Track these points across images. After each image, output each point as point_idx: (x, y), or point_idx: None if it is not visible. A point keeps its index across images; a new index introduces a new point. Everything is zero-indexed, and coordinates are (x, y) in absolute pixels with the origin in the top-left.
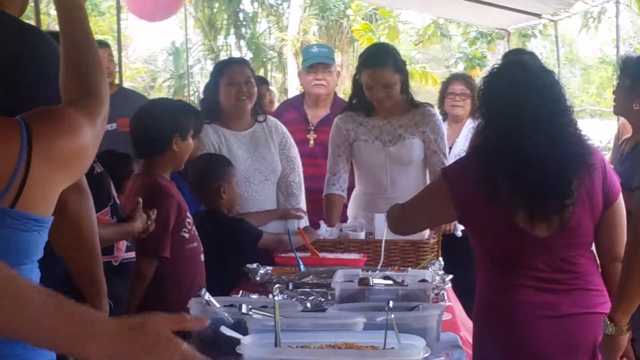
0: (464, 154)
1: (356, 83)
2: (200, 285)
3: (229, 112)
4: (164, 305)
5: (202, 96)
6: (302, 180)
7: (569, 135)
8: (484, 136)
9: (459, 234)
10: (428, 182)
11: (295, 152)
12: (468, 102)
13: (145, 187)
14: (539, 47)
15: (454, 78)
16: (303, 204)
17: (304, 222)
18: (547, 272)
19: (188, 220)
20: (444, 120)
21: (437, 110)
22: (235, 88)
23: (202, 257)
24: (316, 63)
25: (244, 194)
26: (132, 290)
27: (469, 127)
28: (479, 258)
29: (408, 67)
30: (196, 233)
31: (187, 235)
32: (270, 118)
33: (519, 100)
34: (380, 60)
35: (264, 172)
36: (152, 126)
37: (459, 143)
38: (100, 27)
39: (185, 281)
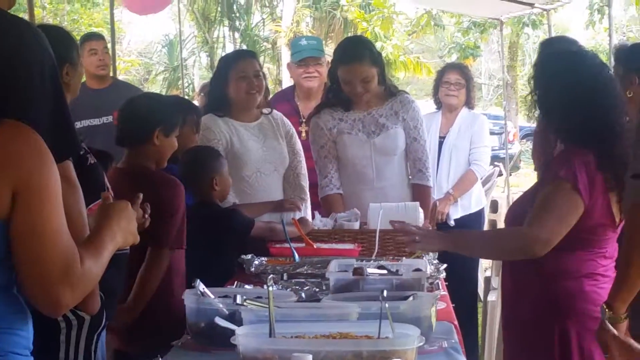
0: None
1: (332, 77)
2: (185, 273)
3: (238, 105)
4: (170, 296)
5: (197, 89)
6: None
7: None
8: (577, 131)
9: (452, 223)
10: (408, 171)
11: (300, 146)
12: (463, 92)
13: (159, 182)
14: (532, 37)
15: (449, 67)
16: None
17: (300, 212)
18: (609, 260)
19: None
20: (438, 109)
21: (413, 97)
22: (245, 82)
23: None
24: (307, 57)
25: (255, 184)
26: (146, 280)
27: (463, 116)
28: (567, 247)
29: (402, 58)
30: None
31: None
32: (276, 112)
33: (603, 95)
34: (357, 54)
35: (273, 162)
36: (137, 115)
37: (452, 133)
38: (94, 20)
39: (181, 270)
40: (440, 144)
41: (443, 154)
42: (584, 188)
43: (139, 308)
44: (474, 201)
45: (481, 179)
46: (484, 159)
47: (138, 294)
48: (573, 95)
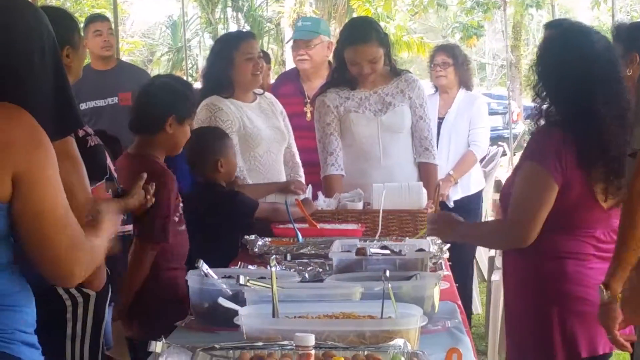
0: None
1: (338, 57)
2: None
3: (241, 86)
4: (156, 286)
5: (205, 69)
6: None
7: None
8: (558, 109)
9: (452, 204)
10: (414, 149)
11: (290, 126)
12: (450, 71)
13: (147, 170)
14: (537, 17)
15: (436, 49)
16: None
17: (304, 194)
18: (604, 243)
19: (180, 204)
20: (435, 92)
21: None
22: (252, 63)
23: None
24: (297, 39)
25: (266, 163)
26: (131, 273)
27: (460, 98)
28: (548, 227)
29: (405, 38)
30: (182, 214)
31: (176, 219)
32: (266, 92)
33: (590, 74)
34: (364, 35)
35: (279, 141)
36: (150, 103)
37: (451, 114)
38: (97, 1)
39: (183, 253)
40: (439, 125)
41: (442, 136)
42: (553, 166)
43: (127, 300)
44: (473, 182)
45: (480, 159)
46: (483, 140)
47: (125, 285)
48: (560, 74)
